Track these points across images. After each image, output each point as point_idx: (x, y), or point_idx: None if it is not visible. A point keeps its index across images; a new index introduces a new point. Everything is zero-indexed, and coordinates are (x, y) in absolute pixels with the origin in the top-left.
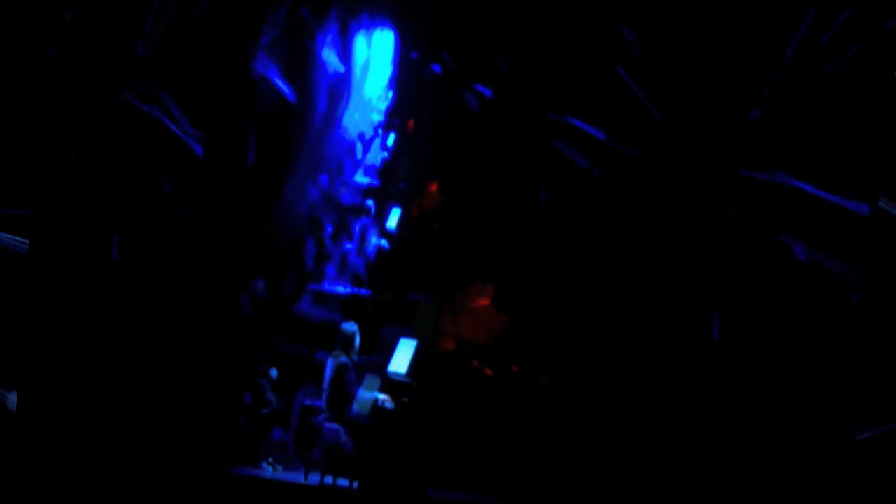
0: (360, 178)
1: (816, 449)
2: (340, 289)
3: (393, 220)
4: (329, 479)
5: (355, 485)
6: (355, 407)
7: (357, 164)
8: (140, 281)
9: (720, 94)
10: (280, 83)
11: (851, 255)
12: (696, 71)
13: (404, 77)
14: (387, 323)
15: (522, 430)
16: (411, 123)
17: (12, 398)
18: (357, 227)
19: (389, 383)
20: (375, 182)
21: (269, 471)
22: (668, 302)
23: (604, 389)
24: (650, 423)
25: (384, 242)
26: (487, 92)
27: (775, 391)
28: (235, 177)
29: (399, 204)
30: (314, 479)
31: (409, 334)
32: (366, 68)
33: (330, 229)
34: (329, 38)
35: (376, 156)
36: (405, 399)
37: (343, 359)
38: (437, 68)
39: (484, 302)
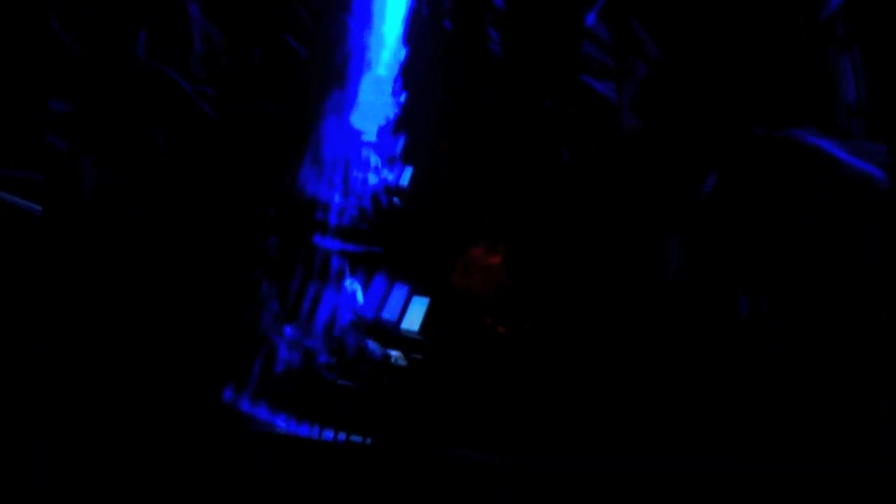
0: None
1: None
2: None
3: (405, 179)
4: (343, 436)
5: (368, 441)
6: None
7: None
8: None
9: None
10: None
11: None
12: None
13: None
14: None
15: (533, 387)
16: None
17: None
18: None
19: (402, 340)
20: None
21: (283, 425)
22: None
23: (614, 346)
24: (661, 383)
25: (396, 199)
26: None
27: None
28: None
29: (411, 162)
30: (328, 434)
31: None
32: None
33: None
34: None
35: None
36: (417, 356)
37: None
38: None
39: (496, 259)
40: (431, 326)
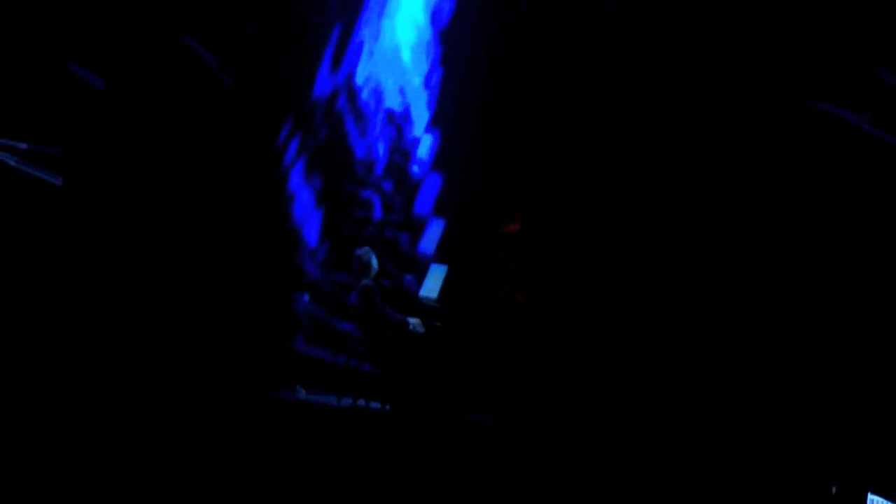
0: None
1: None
2: None
3: (424, 149)
4: (362, 402)
5: (386, 407)
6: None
7: None
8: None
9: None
10: None
11: None
12: None
13: None
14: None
15: (550, 357)
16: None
17: None
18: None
19: (421, 307)
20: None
21: (302, 393)
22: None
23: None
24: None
25: (415, 168)
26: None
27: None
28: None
29: (430, 131)
30: (346, 401)
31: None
32: None
33: None
34: None
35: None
36: (437, 323)
37: (366, 282)
38: None
39: (514, 227)
40: (450, 294)
